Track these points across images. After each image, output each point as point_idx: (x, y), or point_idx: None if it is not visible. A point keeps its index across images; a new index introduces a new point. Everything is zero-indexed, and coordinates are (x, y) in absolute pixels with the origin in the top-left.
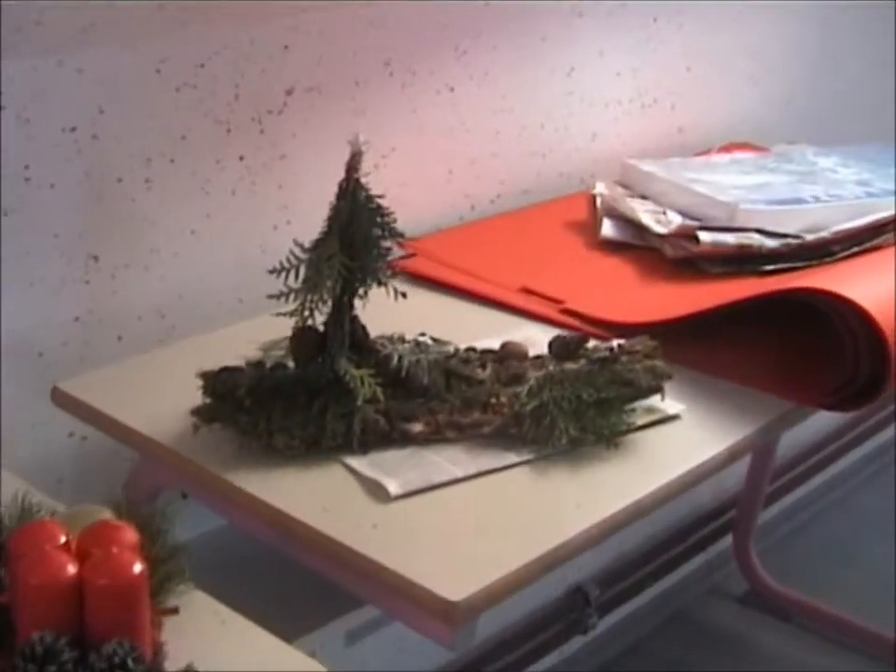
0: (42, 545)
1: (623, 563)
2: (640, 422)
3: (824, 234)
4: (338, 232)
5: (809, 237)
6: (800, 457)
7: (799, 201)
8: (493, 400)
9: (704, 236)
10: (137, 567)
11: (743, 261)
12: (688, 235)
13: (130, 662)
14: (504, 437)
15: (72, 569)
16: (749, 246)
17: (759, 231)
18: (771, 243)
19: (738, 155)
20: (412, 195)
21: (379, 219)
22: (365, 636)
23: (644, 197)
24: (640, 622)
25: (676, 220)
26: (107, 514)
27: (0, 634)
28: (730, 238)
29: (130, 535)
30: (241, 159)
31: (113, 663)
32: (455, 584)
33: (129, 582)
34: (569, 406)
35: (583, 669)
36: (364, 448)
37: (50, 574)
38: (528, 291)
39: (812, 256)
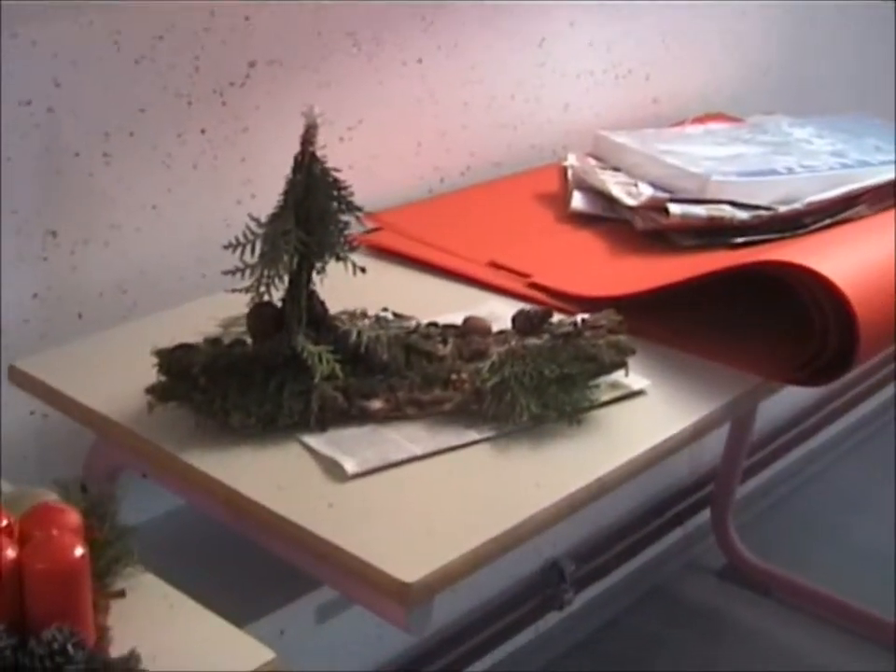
0: None
1: (600, 538)
2: (604, 398)
3: (797, 206)
4: (293, 207)
5: (781, 209)
6: (779, 431)
7: (772, 172)
8: (454, 377)
9: (674, 208)
10: (78, 551)
11: (714, 234)
12: (658, 208)
13: (70, 648)
14: (465, 414)
15: (11, 553)
16: (721, 219)
17: (730, 202)
18: (742, 214)
19: (712, 126)
20: (380, 168)
21: (336, 193)
22: (337, 612)
23: (616, 169)
24: (617, 597)
25: (647, 192)
26: (52, 496)
27: None
28: (700, 210)
29: (72, 517)
30: (202, 132)
31: (52, 649)
32: (409, 565)
33: (69, 566)
34: (531, 382)
35: (559, 645)
36: (322, 426)
37: None
38: (496, 265)
39: (784, 228)
